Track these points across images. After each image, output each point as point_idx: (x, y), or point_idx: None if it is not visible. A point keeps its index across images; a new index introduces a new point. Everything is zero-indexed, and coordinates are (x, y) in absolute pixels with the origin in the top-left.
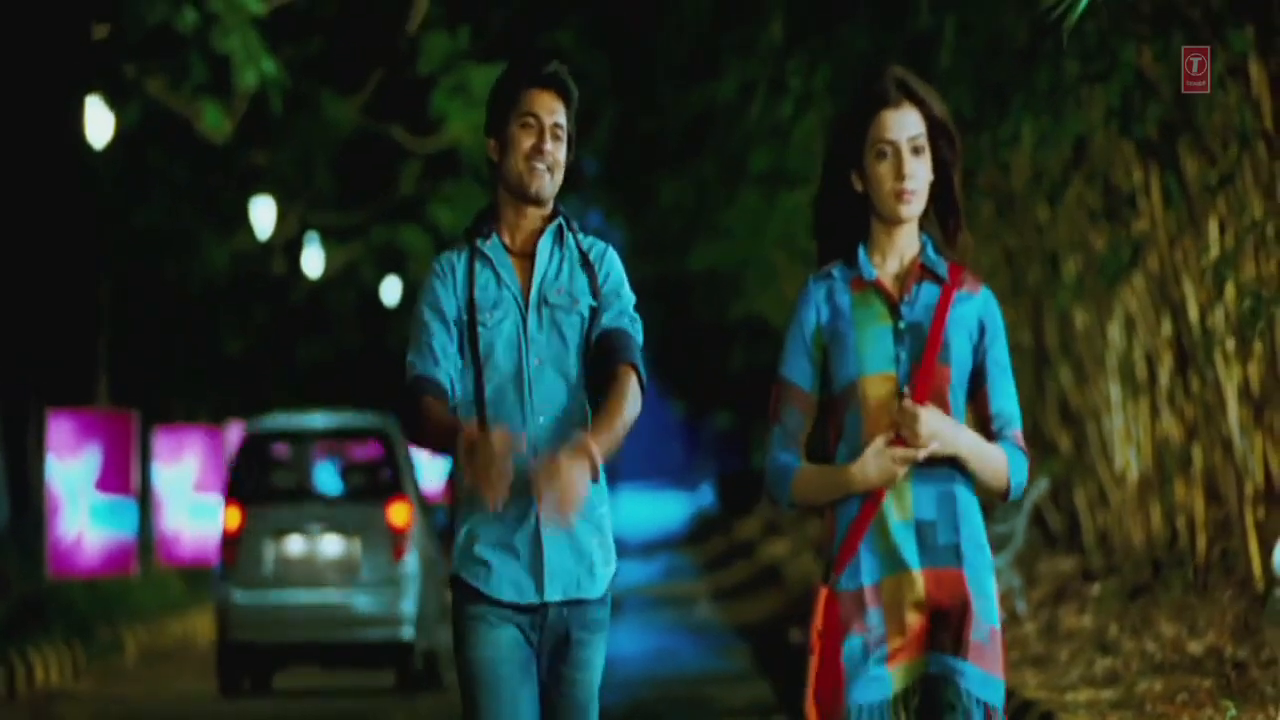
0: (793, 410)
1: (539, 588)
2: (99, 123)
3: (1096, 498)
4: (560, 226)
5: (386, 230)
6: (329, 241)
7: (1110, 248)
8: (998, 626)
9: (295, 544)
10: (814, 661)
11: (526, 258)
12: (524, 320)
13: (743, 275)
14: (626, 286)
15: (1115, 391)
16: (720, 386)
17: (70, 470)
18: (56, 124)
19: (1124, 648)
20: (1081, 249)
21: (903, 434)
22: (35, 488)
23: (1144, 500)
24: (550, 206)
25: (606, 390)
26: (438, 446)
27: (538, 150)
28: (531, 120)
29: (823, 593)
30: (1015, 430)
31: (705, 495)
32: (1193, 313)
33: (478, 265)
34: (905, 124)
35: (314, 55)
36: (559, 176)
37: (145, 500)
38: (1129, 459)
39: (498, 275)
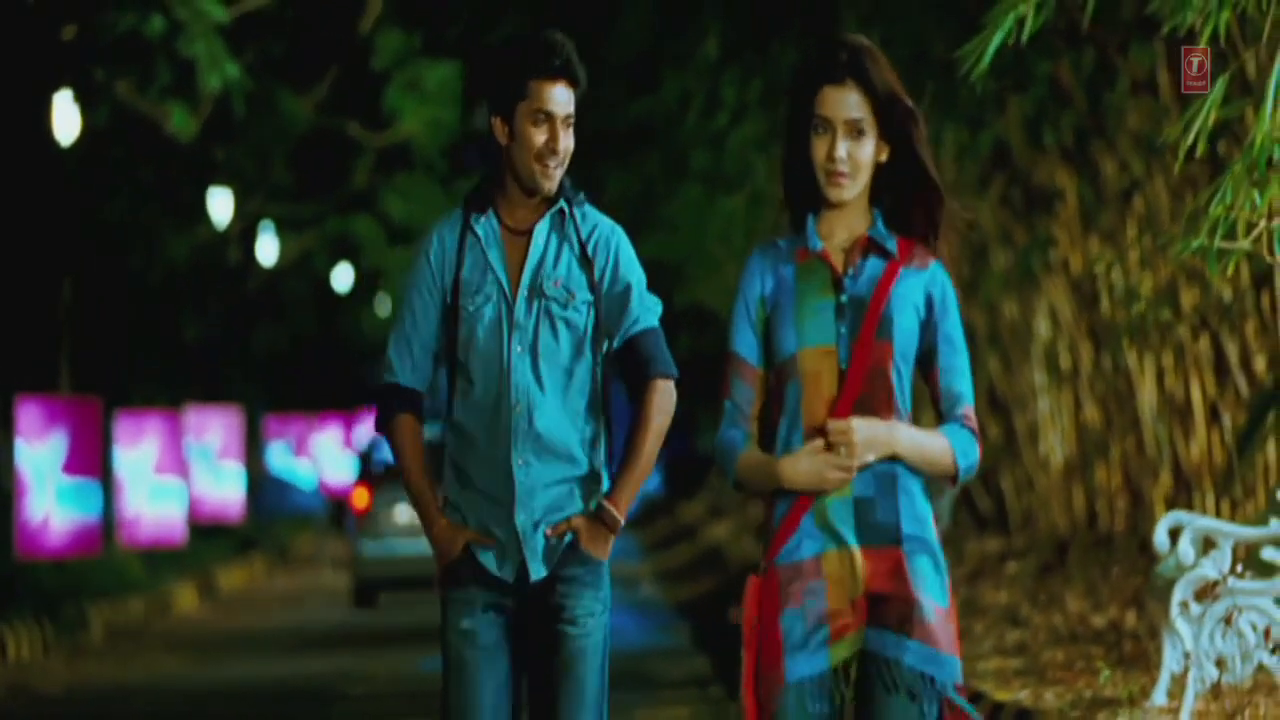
0: (740, 385)
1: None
2: (66, 119)
3: (1023, 481)
4: (561, 211)
5: (340, 221)
6: (285, 232)
7: (1028, 245)
8: (945, 606)
9: (403, 512)
10: (748, 656)
11: (523, 235)
12: (509, 306)
13: (687, 265)
14: (635, 268)
15: (1040, 380)
16: None
17: (38, 454)
18: (24, 122)
19: (1033, 621)
20: (1008, 243)
21: (839, 452)
22: (4, 471)
23: (1067, 484)
24: None
25: (635, 414)
26: (411, 502)
27: (551, 150)
28: (543, 116)
29: (753, 582)
30: (965, 408)
31: (651, 479)
32: (1105, 309)
33: (468, 243)
34: (844, 104)
35: (273, 56)
36: (566, 163)
37: (106, 483)
38: (1053, 445)
39: (485, 257)
